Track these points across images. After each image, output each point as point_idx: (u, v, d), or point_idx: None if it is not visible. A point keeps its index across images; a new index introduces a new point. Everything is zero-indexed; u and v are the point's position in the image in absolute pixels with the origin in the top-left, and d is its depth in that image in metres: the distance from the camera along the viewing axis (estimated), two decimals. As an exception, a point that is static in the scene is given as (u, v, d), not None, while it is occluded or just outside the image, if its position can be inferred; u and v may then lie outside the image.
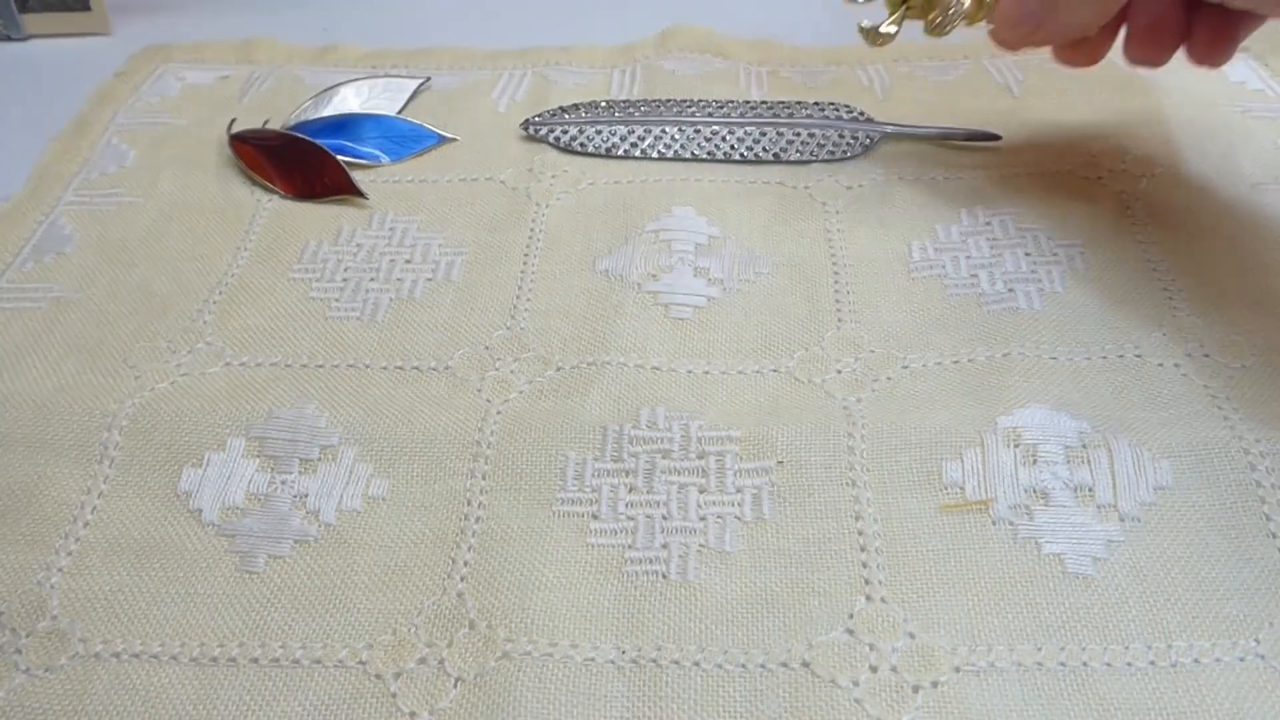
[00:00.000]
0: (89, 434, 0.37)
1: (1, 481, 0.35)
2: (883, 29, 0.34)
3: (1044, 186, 0.46)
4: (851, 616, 0.31)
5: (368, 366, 0.39)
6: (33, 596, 0.32)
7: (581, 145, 0.49)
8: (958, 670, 0.29)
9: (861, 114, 0.50)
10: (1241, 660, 0.29)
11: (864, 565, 0.32)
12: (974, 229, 0.44)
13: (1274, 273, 0.41)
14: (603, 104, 0.51)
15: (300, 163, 0.48)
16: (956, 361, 0.38)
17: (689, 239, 0.44)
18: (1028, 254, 0.43)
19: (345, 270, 0.43)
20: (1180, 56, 0.39)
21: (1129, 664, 0.29)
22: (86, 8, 0.60)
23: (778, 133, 0.49)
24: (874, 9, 0.41)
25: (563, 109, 0.51)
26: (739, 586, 0.31)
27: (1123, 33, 0.40)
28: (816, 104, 0.51)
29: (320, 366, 0.39)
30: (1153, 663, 0.29)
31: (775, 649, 0.30)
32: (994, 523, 0.33)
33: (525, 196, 0.47)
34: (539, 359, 0.39)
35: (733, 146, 0.49)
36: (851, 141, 0.49)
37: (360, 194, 0.47)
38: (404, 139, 0.51)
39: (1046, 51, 0.55)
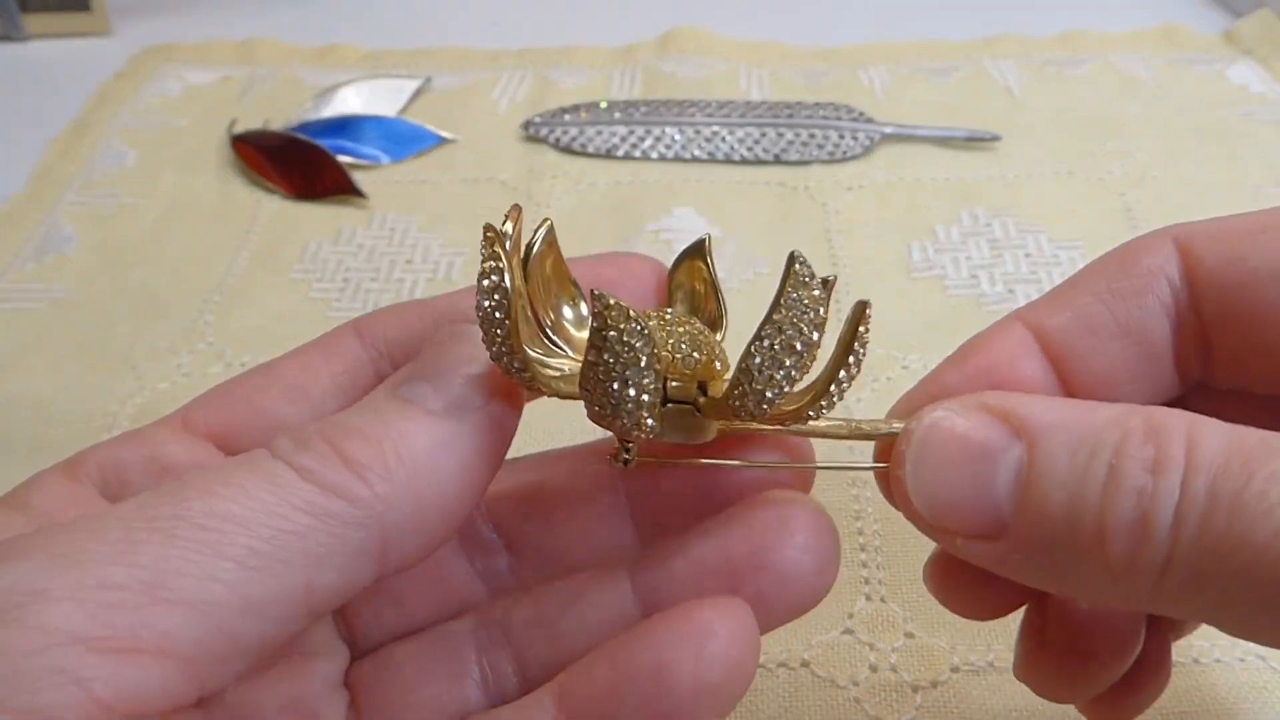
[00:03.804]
0: (90, 434, 0.36)
1: (2, 482, 0.35)
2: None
3: (1044, 187, 0.46)
4: (851, 616, 0.31)
5: (368, 367, 0.39)
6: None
7: (582, 146, 0.49)
8: (957, 670, 0.29)
9: (861, 114, 0.50)
10: (1241, 660, 0.29)
11: (864, 565, 0.32)
12: (974, 230, 0.44)
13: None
14: (603, 105, 0.51)
15: (301, 163, 0.48)
16: (956, 362, 0.38)
17: (689, 239, 0.44)
18: (1028, 255, 0.43)
19: (345, 270, 0.43)
20: None
21: (1129, 664, 0.29)
22: (86, 8, 0.60)
23: (778, 133, 0.49)
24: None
25: (563, 110, 0.51)
26: (739, 586, 0.31)
27: None
28: (816, 104, 0.51)
29: (320, 367, 0.39)
30: (1152, 663, 0.29)
31: (775, 649, 0.30)
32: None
33: (525, 197, 0.47)
34: (539, 359, 0.39)
35: (733, 147, 0.49)
36: (851, 142, 0.49)
37: (360, 194, 0.47)
38: (404, 139, 0.51)
39: (1048, 52, 0.56)
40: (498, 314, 0.18)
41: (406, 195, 0.48)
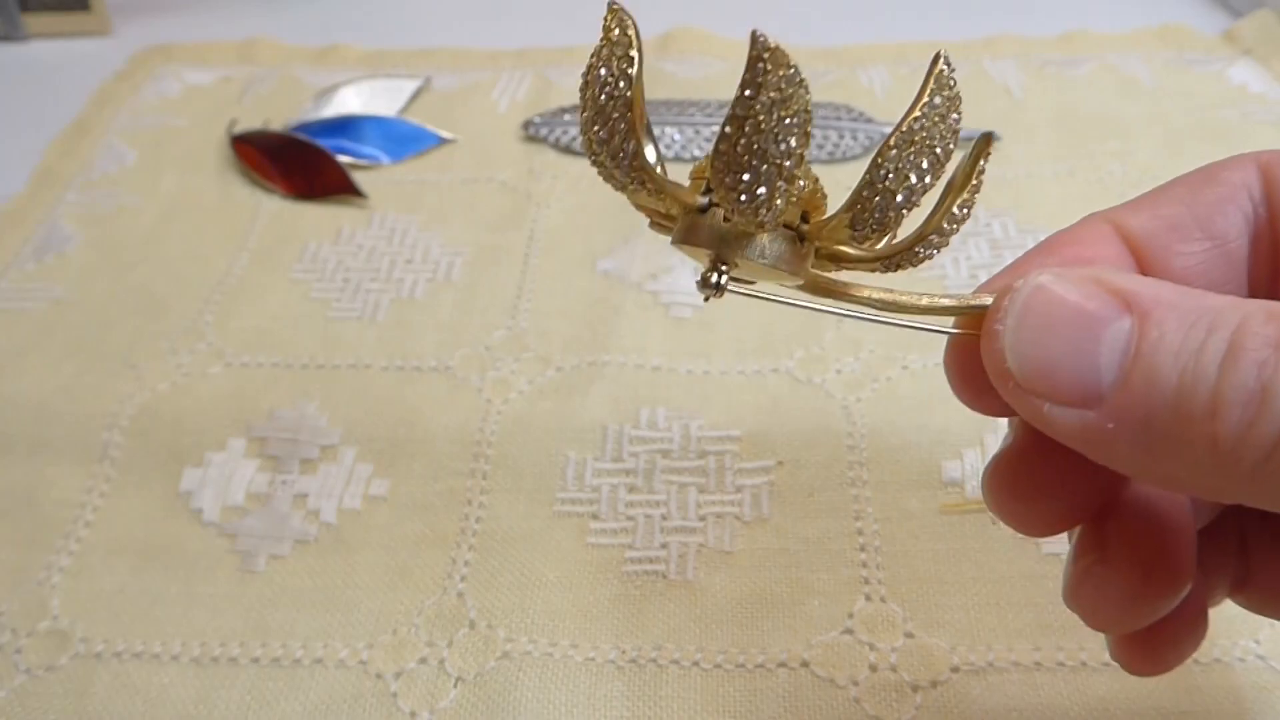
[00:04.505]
0: (90, 434, 0.37)
1: (2, 482, 0.35)
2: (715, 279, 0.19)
3: (1044, 187, 0.46)
4: (851, 616, 0.31)
5: (368, 366, 0.39)
6: (33, 596, 0.32)
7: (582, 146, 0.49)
8: (957, 670, 0.29)
9: (861, 114, 0.50)
10: (1241, 661, 0.29)
11: (864, 565, 0.32)
12: (974, 230, 0.44)
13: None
14: (603, 104, 0.51)
15: (300, 163, 0.48)
16: (956, 362, 0.38)
17: (689, 239, 0.44)
18: (1027, 254, 0.43)
19: (345, 270, 0.43)
20: None
21: (1128, 664, 0.29)
22: (86, 8, 0.60)
23: (778, 133, 0.49)
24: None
25: (563, 109, 0.51)
26: (739, 586, 0.31)
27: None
28: (816, 104, 0.51)
29: (320, 366, 0.39)
30: (1152, 663, 0.29)
31: (775, 649, 0.30)
32: (994, 523, 0.33)
33: (525, 197, 0.47)
34: (539, 359, 0.39)
35: (733, 147, 0.49)
36: (851, 142, 0.49)
37: (360, 194, 0.47)
38: (404, 139, 0.51)
39: (1048, 52, 0.56)
40: (621, 84, 0.17)
41: (406, 195, 0.48)
